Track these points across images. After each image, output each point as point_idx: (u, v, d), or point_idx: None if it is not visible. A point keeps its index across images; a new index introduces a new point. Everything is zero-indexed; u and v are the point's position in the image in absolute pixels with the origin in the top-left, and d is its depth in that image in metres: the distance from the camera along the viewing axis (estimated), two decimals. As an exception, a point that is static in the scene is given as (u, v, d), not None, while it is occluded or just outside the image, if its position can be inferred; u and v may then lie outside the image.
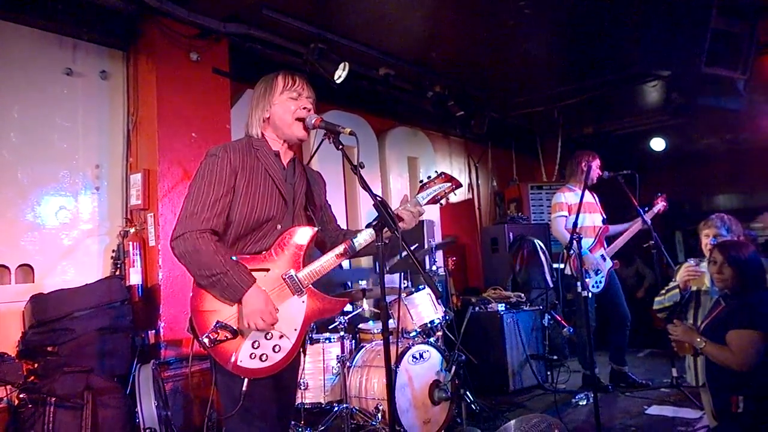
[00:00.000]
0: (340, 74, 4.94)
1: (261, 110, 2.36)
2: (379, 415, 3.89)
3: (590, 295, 5.11)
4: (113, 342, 3.84)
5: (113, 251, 4.35)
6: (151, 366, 3.69)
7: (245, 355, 2.12)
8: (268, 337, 2.17)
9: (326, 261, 2.30)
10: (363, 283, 4.52)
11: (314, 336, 4.19)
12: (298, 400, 3.94)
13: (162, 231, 4.25)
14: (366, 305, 4.58)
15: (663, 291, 3.81)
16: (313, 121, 2.32)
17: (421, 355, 4.10)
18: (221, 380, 2.17)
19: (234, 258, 2.15)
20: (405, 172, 7.10)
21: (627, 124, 8.34)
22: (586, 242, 5.16)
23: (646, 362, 6.58)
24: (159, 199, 4.29)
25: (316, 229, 2.35)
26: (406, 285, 4.78)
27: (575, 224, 4.28)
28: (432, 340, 4.39)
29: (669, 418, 4.35)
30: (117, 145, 4.55)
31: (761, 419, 2.81)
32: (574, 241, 4.20)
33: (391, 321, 4.17)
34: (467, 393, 4.53)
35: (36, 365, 3.52)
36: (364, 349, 4.31)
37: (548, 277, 6.39)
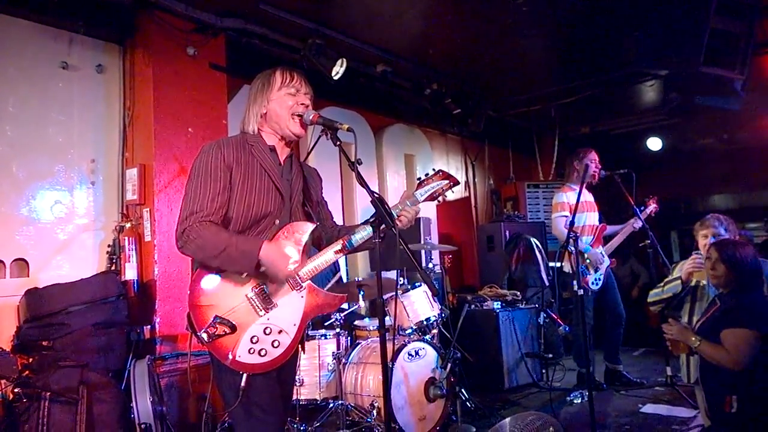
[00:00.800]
0: (338, 70, 4.93)
1: (258, 106, 2.35)
2: (375, 411, 3.89)
3: (590, 292, 5.12)
4: (108, 337, 3.83)
5: (109, 246, 4.34)
6: (146, 361, 3.68)
7: (244, 350, 2.12)
8: (267, 332, 2.17)
9: (324, 257, 2.31)
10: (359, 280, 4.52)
11: (310, 332, 4.19)
12: (294, 397, 3.93)
13: (158, 226, 4.24)
14: (362, 302, 4.57)
15: (661, 284, 3.81)
16: (310, 117, 2.31)
17: (416, 353, 4.10)
18: (221, 375, 2.17)
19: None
20: (402, 170, 7.10)
21: (624, 124, 8.35)
22: (586, 240, 5.17)
23: (640, 361, 6.60)
24: (155, 194, 4.27)
25: (314, 225, 2.35)
26: (402, 282, 4.77)
27: (572, 222, 4.28)
28: (428, 337, 4.40)
29: (663, 417, 4.36)
30: (113, 140, 4.53)
31: (755, 419, 2.82)
32: (571, 240, 4.20)
33: (387, 318, 4.17)
34: (462, 390, 4.54)
35: (31, 360, 3.51)
36: (359, 345, 4.31)
37: (544, 276, 6.40)
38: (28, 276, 3.98)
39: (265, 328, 2.16)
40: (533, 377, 5.58)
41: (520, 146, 9.13)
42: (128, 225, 4.36)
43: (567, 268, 5.24)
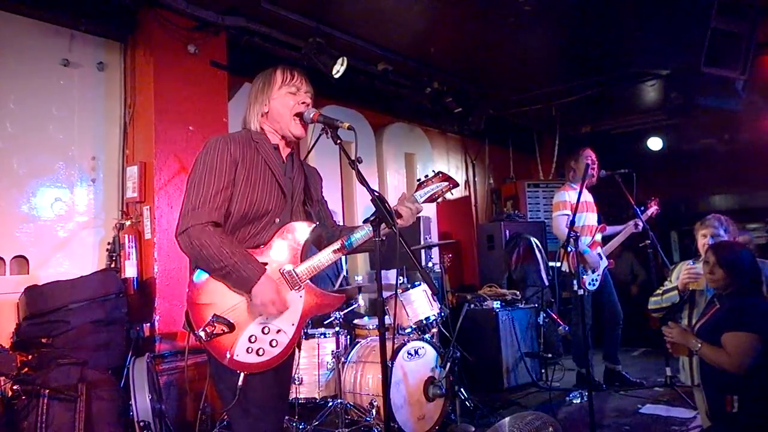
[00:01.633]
0: (339, 69, 4.93)
1: (260, 105, 2.34)
2: (374, 410, 3.89)
3: (587, 293, 5.12)
4: (108, 334, 3.83)
5: (109, 244, 4.34)
6: (145, 359, 3.68)
7: (242, 350, 2.11)
8: (266, 332, 2.16)
9: (324, 257, 2.30)
10: (359, 279, 4.52)
11: (309, 331, 4.19)
12: (293, 395, 3.94)
13: (158, 224, 4.23)
14: (361, 301, 4.57)
15: (659, 291, 3.79)
16: (311, 116, 2.31)
17: (416, 352, 4.10)
18: (219, 374, 2.16)
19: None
20: (402, 169, 7.10)
21: (625, 123, 8.35)
22: (585, 241, 5.17)
23: (640, 361, 6.61)
24: (155, 191, 4.27)
25: (315, 224, 2.34)
26: (402, 281, 4.77)
27: (572, 222, 4.28)
28: (427, 336, 4.40)
29: (662, 418, 4.36)
30: (113, 137, 4.53)
31: (755, 419, 2.82)
32: (572, 239, 4.20)
33: (386, 317, 4.16)
34: (462, 390, 4.54)
35: (30, 357, 3.51)
36: (359, 344, 4.31)
37: (544, 275, 6.40)
38: (28, 273, 3.98)
39: (264, 328, 2.16)
40: (532, 377, 5.58)
41: (520, 145, 9.13)
42: (128, 223, 4.35)
43: (565, 267, 5.24)
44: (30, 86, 4.09)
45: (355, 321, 4.72)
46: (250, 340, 2.13)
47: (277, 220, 2.27)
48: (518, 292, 5.99)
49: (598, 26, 5.26)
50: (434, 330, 4.71)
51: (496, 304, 5.64)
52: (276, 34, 5.00)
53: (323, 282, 4.91)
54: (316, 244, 2.48)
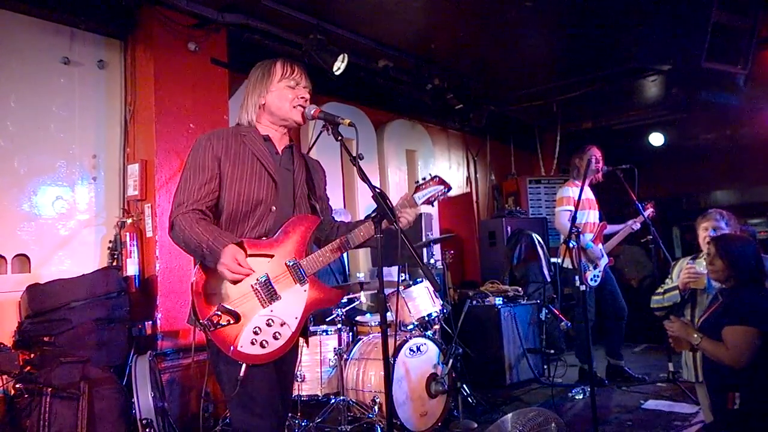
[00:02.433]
0: (339, 66, 4.92)
1: (257, 96, 2.35)
2: (376, 407, 3.89)
3: (588, 288, 5.11)
4: (110, 333, 3.83)
5: (110, 242, 4.34)
6: (147, 357, 3.68)
7: (246, 341, 2.12)
8: (270, 324, 2.17)
9: (327, 252, 2.31)
10: (360, 276, 4.52)
11: (312, 328, 4.19)
12: (295, 392, 3.94)
13: (159, 222, 4.23)
14: (363, 298, 4.57)
15: (660, 291, 3.76)
16: (312, 112, 2.31)
17: (418, 348, 4.10)
18: (223, 368, 2.17)
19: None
20: (403, 166, 7.08)
21: (626, 119, 8.32)
22: (586, 238, 5.16)
23: (642, 357, 6.60)
24: (156, 189, 4.27)
25: (320, 218, 2.35)
26: (404, 278, 4.77)
27: (574, 218, 4.27)
28: (429, 333, 4.39)
29: (665, 413, 4.36)
30: (114, 136, 4.52)
31: (757, 416, 2.81)
32: (573, 235, 4.19)
33: (388, 314, 4.17)
34: (464, 386, 4.54)
35: (32, 355, 3.51)
36: (361, 341, 4.31)
37: (546, 271, 6.39)
38: (30, 272, 3.98)
39: (268, 320, 2.17)
40: (535, 373, 5.57)
41: (521, 141, 9.11)
42: (129, 221, 4.35)
43: (567, 263, 5.23)
44: (30, 85, 4.09)
45: (357, 318, 4.72)
46: (254, 332, 2.13)
47: (273, 208, 2.28)
48: (520, 289, 5.99)
49: (599, 22, 5.24)
50: (436, 326, 4.71)
51: (498, 301, 5.63)
52: (276, 31, 4.98)
53: (328, 278, 4.91)
54: (315, 240, 2.48)
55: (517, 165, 9.01)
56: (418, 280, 4.62)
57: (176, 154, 4.39)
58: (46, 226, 4.10)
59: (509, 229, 6.97)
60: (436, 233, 6.77)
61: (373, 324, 4.54)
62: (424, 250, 5.82)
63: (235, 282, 2.13)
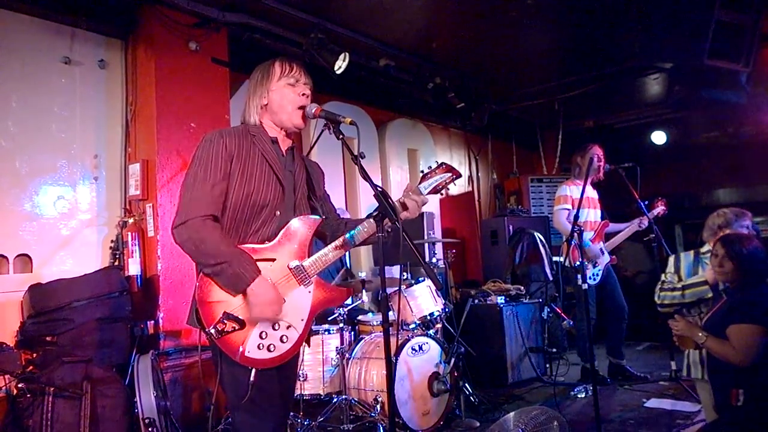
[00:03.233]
0: (341, 65, 4.91)
1: (259, 97, 2.34)
2: (378, 406, 3.89)
3: (589, 287, 5.10)
4: (112, 332, 3.83)
5: (112, 242, 4.34)
6: (150, 356, 3.69)
7: (253, 346, 2.10)
8: (276, 328, 2.16)
9: (330, 252, 2.30)
10: (362, 275, 4.52)
11: (314, 327, 4.18)
12: (298, 392, 3.94)
13: (161, 221, 4.23)
14: (365, 297, 4.57)
15: (678, 286, 3.60)
16: (313, 111, 2.30)
17: (420, 347, 4.09)
18: (227, 371, 2.15)
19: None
20: (405, 164, 7.08)
21: (628, 117, 8.31)
22: (586, 236, 5.15)
23: (645, 355, 6.59)
24: (158, 189, 4.27)
25: (321, 218, 2.34)
26: (406, 277, 4.76)
27: (576, 216, 4.27)
28: (431, 332, 4.39)
29: (667, 411, 4.35)
30: (115, 135, 4.52)
31: (761, 413, 2.81)
32: (575, 233, 4.18)
33: (390, 313, 4.16)
34: (466, 385, 4.54)
35: (35, 355, 3.51)
36: (363, 340, 4.31)
37: (548, 270, 6.38)
38: (32, 271, 3.98)
39: (274, 324, 2.16)
40: (537, 372, 5.57)
41: (523, 140, 9.10)
42: (131, 220, 4.35)
43: (568, 262, 5.23)
44: (31, 85, 4.09)
45: (359, 317, 4.72)
46: (260, 337, 2.12)
47: (278, 213, 2.26)
48: (522, 287, 5.98)
49: (601, 19, 5.23)
50: (438, 325, 4.71)
51: (500, 300, 5.63)
52: (277, 30, 4.98)
53: (325, 277, 4.90)
54: (320, 239, 2.47)
55: (519, 164, 9.00)
56: (420, 279, 4.61)
57: (177, 154, 4.39)
58: (47, 225, 4.10)
59: (511, 228, 6.96)
60: (437, 232, 6.76)
61: (375, 323, 4.54)
62: (426, 248, 5.82)
63: (273, 320, 2.13)
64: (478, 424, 4.20)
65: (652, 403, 4.60)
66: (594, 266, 5.20)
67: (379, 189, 2.18)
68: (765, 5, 4.73)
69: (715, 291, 3.45)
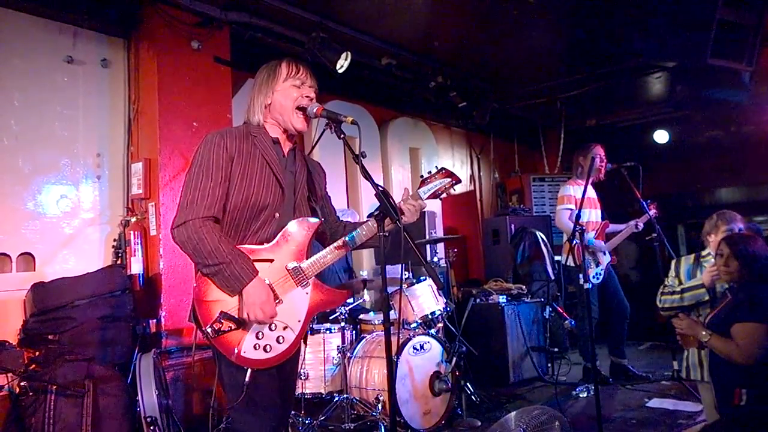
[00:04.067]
0: (342, 64, 4.91)
1: (263, 96, 2.33)
2: (380, 405, 3.90)
3: (591, 286, 5.10)
4: (114, 331, 3.84)
5: (114, 240, 4.35)
6: (152, 355, 3.70)
7: (249, 346, 2.11)
8: (272, 328, 2.16)
9: (329, 253, 2.30)
10: (364, 274, 4.52)
11: (315, 326, 4.19)
12: (299, 390, 3.94)
13: (163, 220, 4.24)
14: (367, 296, 4.57)
15: (676, 289, 3.62)
16: (314, 110, 2.30)
17: (421, 347, 4.10)
18: (225, 371, 2.16)
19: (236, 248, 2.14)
20: (407, 163, 7.08)
21: (630, 116, 8.29)
22: (588, 236, 5.15)
23: (647, 355, 6.59)
24: (160, 188, 4.27)
25: (320, 219, 2.34)
26: (407, 276, 4.77)
27: (578, 216, 4.26)
28: (433, 331, 4.39)
29: (670, 411, 4.35)
30: (118, 134, 4.53)
31: (764, 412, 2.80)
32: (577, 233, 4.18)
33: (392, 312, 4.17)
34: (467, 384, 4.54)
35: (37, 353, 3.52)
36: (364, 339, 4.31)
37: (549, 270, 6.38)
38: (34, 270, 3.99)
39: (270, 324, 2.16)
40: (538, 371, 5.57)
41: (525, 139, 9.09)
42: (134, 219, 4.36)
43: (570, 261, 5.22)
44: (34, 84, 4.10)
45: (361, 316, 4.72)
46: (257, 337, 2.13)
47: (277, 215, 2.26)
48: (524, 287, 5.98)
49: (603, 17, 5.21)
50: (440, 325, 4.71)
51: (502, 299, 5.63)
52: (279, 29, 4.98)
53: (332, 278, 4.91)
54: (320, 240, 2.47)
55: (521, 163, 8.99)
56: (421, 278, 4.62)
57: (180, 153, 4.39)
58: (50, 224, 4.11)
59: (513, 227, 6.96)
60: (439, 231, 6.76)
61: (376, 322, 4.54)
62: (428, 248, 5.82)
63: (264, 321, 2.12)
64: (479, 423, 4.21)
65: (654, 402, 4.59)
66: (596, 266, 5.20)
67: (381, 188, 2.18)
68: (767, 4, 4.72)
69: (711, 294, 3.46)
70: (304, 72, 2.35)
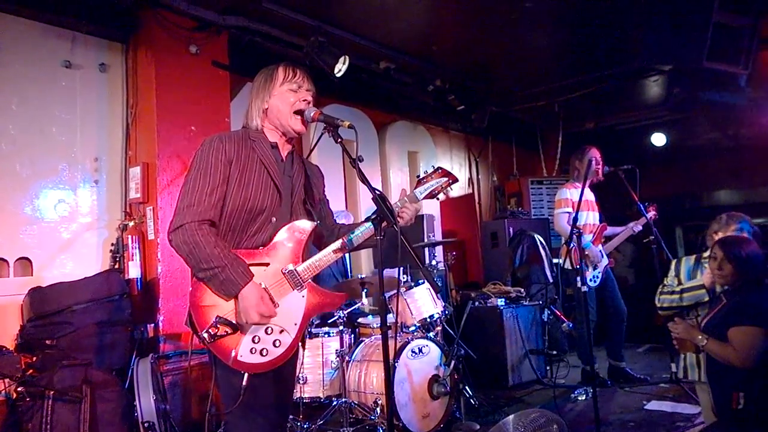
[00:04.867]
0: (341, 68, 4.91)
1: (261, 101, 2.34)
2: (378, 409, 3.89)
3: (589, 289, 5.11)
4: (112, 335, 3.84)
5: (112, 245, 4.35)
6: (149, 359, 3.69)
7: (245, 350, 2.11)
8: (269, 332, 2.16)
9: (325, 256, 2.30)
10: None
11: (313, 330, 4.19)
12: (297, 395, 3.94)
13: (161, 224, 4.24)
14: (365, 300, 4.57)
15: (675, 289, 3.59)
16: (311, 114, 2.30)
17: (420, 350, 4.09)
18: (221, 375, 2.15)
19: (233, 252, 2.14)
20: (405, 167, 7.09)
21: (628, 119, 8.31)
22: (586, 239, 5.16)
23: (645, 358, 6.59)
24: (158, 192, 4.28)
25: (315, 223, 2.34)
26: (405, 279, 4.77)
27: (575, 219, 4.27)
28: (431, 334, 4.39)
29: (668, 414, 4.35)
30: (116, 138, 4.53)
31: (761, 416, 2.80)
32: (575, 236, 4.19)
33: (390, 315, 4.17)
34: (466, 388, 4.53)
35: (34, 358, 3.52)
36: (363, 343, 4.31)
37: (548, 273, 6.39)
38: (32, 275, 3.99)
39: (267, 328, 2.15)
40: (537, 374, 5.57)
41: (523, 142, 9.10)
42: (131, 223, 4.36)
43: (568, 264, 5.23)
44: (32, 88, 4.10)
45: (359, 319, 4.72)
46: (253, 341, 2.12)
47: (274, 219, 2.26)
48: (522, 290, 5.98)
49: (601, 22, 5.23)
50: (438, 328, 4.71)
51: (501, 302, 5.63)
52: (277, 34, 4.99)
53: (328, 280, 4.91)
54: (316, 243, 2.47)
55: (519, 166, 9.00)
56: (419, 281, 4.61)
57: (178, 157, 4.40)
58: (48, 229, 4.11)
59: (511, 230, 6.96)
60: (438, 234, 6.77)
61: (375, 326, 4.54)
62: (426, 251, 5.82)
63: (260, 324, 2.12)
64: (478, 426, 4.20)
65: (652, 405, 4.59)
66: (594, 269, 5.20)
67: (377, 192, 2.19)
68: (764, 8, 4.74)
69: (711, 294, 3.45)
70: (300, 76, 2.36)
